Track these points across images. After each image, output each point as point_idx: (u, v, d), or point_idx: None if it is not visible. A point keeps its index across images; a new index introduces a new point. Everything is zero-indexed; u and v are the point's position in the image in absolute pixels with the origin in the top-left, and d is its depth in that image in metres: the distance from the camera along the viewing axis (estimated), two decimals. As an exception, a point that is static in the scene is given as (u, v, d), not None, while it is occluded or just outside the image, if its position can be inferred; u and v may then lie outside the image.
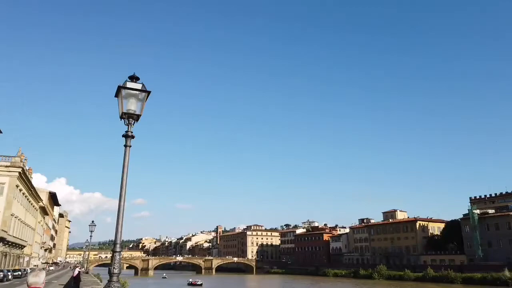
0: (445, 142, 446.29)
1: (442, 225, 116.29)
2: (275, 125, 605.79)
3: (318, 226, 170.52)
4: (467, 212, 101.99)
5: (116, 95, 7.40)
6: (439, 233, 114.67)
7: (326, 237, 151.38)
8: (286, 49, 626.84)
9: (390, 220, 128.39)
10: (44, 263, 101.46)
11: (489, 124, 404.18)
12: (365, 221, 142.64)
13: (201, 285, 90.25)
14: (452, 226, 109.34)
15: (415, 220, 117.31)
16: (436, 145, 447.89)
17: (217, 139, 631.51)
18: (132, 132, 7.37)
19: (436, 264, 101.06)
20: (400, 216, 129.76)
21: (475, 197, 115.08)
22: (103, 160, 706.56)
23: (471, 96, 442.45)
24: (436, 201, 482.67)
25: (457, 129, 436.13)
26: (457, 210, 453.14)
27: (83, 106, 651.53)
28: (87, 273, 26.76)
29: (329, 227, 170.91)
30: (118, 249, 7.05)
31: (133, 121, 7.39)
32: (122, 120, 7.36)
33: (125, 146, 7.30)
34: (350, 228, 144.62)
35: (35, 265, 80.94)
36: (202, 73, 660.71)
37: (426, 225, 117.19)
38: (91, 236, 27.69)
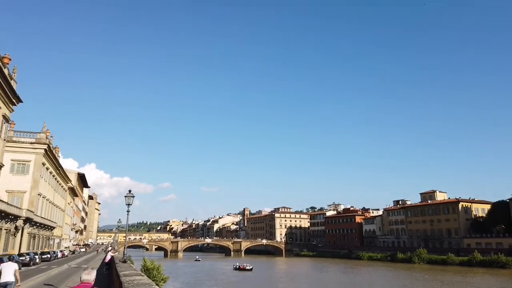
0: (487, 117, 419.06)
1: (487, 207, 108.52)
2: (297, 105, 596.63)
3: (349, 208, 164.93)
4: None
5: None
6: (484, 215, 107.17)
7: (358, 219, 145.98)
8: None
9: (429, 201, 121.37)
10: (75, 244, 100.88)
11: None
12: (400, 202, 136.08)
13: (251, 269, 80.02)
14: (499, 207, 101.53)
15: (457, 201, 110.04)
16: (477, 122, 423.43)
17: (240, 125, 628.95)
18: None
19: (481, 247, 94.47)
20: (440, 197, 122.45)
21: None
22: (132, 145, 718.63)
23: None
24: (480, 182, 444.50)
25: (504, 103, 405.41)
26: (504, 191, 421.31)
27: (115, 93, 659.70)
28: (125, 262, 21.82)
29: (361, 209, 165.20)
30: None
31: None
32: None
33: None
34: (384, 210, 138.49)
35: (66, 247, 79.60)
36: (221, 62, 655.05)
37: (469, 206, 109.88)
38: (128, 211, 23.27)
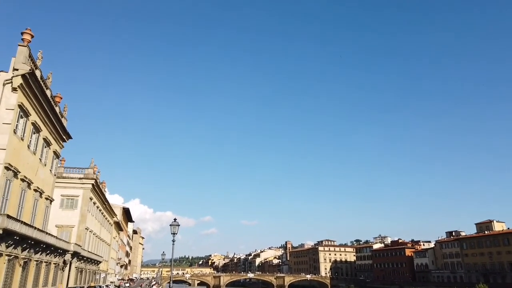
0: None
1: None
2: (336, 136, 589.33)
3: (397, 241, 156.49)
4: None
5: None
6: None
7: (408, 252, 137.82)
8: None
9: (486, 232, 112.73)
10: (120, 279, 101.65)
11: None
12: (453, 233, 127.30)
13: None
14: None
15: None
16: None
17: (280, 159, 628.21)
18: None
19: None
20: (498, 227, 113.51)
21: None
22: (174, 180, 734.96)
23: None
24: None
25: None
26: None
27: (158, 127, 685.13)
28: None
29: (410, 242, 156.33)
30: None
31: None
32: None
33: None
34: (437, 242, 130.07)
35: (112, 282, 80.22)
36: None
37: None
38: (173, 241, 22.73)
